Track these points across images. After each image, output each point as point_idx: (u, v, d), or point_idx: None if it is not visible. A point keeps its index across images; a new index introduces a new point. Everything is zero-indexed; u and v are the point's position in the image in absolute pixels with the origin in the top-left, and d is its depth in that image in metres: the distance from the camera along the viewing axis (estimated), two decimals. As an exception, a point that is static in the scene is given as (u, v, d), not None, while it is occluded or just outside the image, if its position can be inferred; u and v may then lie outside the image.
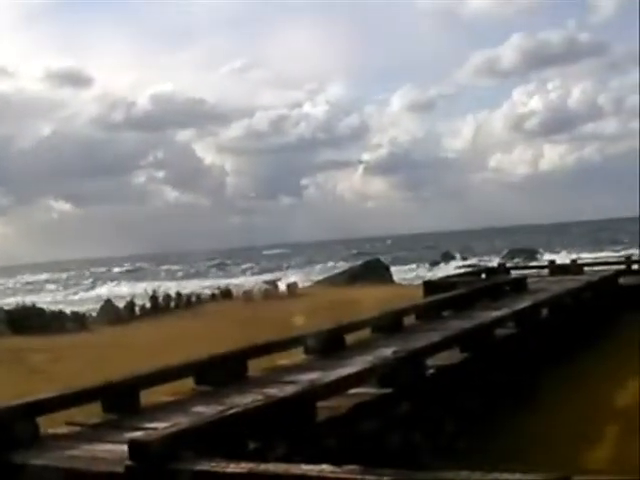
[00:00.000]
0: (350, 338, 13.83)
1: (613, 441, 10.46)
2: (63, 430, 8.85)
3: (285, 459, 7.04)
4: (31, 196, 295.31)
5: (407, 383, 9.94)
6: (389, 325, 14.94)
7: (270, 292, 34.43)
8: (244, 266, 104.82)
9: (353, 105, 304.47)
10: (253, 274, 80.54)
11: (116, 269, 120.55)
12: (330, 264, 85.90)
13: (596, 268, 26.75)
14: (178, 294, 32.16)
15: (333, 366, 10.92)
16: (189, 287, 46.94)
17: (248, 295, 33.29)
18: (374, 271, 42.22)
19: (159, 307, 30.23)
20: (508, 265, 33.88)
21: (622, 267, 25.94)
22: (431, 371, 10.71)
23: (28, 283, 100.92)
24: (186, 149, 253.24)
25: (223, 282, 50.76)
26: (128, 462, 6.42)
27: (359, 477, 5.53)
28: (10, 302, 34.26)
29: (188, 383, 10.78)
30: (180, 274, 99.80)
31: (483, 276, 26.34)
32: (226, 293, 34.55)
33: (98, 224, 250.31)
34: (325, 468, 5.72)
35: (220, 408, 7.89)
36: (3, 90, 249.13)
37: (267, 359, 12.18)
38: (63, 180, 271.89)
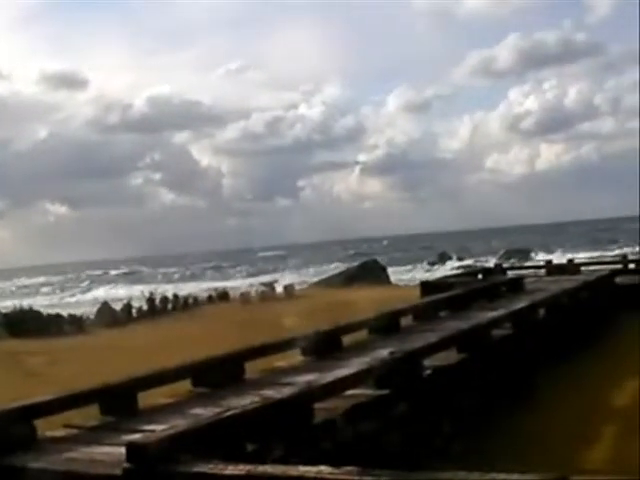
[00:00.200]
0: (347, 339, 13.83)
1: (610, 441, 10.48)
2: (61, 433, 8.86)
3: (283, 461, 7.05)
4: (27, 199, 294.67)
5: (404, 384, 9.95)
6: (386, 326, 14.95)
7: (267, 294, 34.44)
8: (241, 268, 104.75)
9: (349, 106, 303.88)
10: (250, 276, 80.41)
11: (113, 271, 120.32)
12: (327, 265, 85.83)
13: (593, 268, 26.80)
14: (175, 296, 32.17)
15: (330, 367, 10.93)
16: (186, 289, 46.92)
17: (245, 297, 33.31)
18: (371, 272, 42.22)
19: (156, 309, 30.23)
20: (505, 265, 33.92)
21: (619, 267, 25.99)
22: (428, 372, 10.73)
23: (25, 286, 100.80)
24: (182, 151, 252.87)
25: (220, 284, 50.79)
26: (126, 465, 6.42)
27: (357, 478, 5.54)
28: (7, 305, 34.20)
29: (185, 385, 10.79)
30: (177, 276, 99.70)
31: (480, 277, 26.37)
32: (223, 295, 34.57)
33: (94, 227, 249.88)
34: (323, 469, 5.73)
35: (217, 410, 7.90)
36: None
37: (264, 361, 12.18)
38: (59, 183, 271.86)
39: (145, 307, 30.52)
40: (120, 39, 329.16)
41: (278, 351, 12.64)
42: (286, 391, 8.85)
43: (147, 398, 10.08)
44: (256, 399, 8.53)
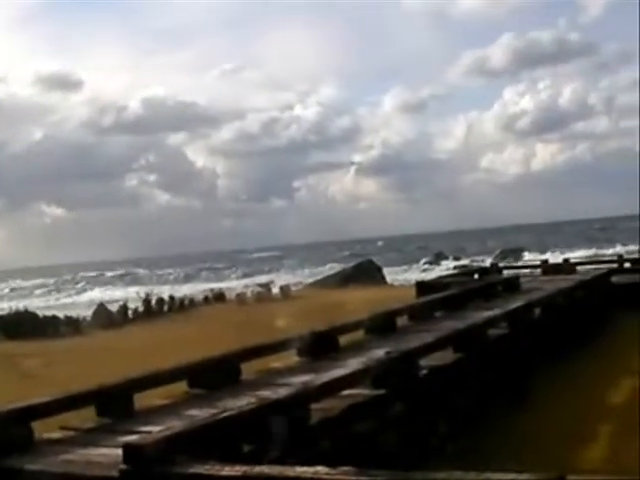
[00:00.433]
0: (343, 340, 13.84)
1: (607, 440, 10.50)
2: (57, 435, 8.86)
3: (279, 461, 7.06)
4: (23, 201, 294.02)
5: (400, 384, 9.96)
6: (382, 326, 14.95)
7: (263, 295, 34.39)
8: (236, 269, 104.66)
9: (344, 106, 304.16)
10: (245, 277, 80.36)
11: (109, 273, 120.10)
12: (322, 266, 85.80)
13: (588, 267, 26.83)
14: (171, 297, 32.09)
15: (326, 368, 10.94)
16: (182, 290, 46.90)
17: (241, 298, 33.27)
18: (366, 273, 42.18)
19: (152, 311, 30.17)
20: (501, 265, 33.92)
21: (614, 266, 26.01)
22: (424, 372, 10.74)
23: (21, 288, 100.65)
24: (177, 152, 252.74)
25: (216, 285, 50.75)
26: (123, 466, 6.43)
27: (353, 478, 5.55)
28: (3, 307, 34.19)
29: (181, 386, 10.79)
30: (173, 277, 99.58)
31: (476, 276, 26.34)
32: (219, 296, 34.51)
33: (90, 228, 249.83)
34: (319, 470, 5.74)
35: (213, 411, 7.90)
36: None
37: (260, 362, 12.18)
38: (55, 184, 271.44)
39: (141, 308, 30.47)
40: (115, 40, 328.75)
41: (274, 352, 12.64)
42: (282, 392, 8.86)
43: (143, 399, 10.08)
44: (252, 400, 8.53)
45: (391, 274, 55.37)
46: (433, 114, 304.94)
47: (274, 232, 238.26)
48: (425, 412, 10.23)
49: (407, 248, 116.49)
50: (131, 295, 36.73)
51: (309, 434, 8.24)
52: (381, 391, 9.62)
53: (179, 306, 31.06)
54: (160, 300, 31.36)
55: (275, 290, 36.06)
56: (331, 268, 69.22)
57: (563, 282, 20.37)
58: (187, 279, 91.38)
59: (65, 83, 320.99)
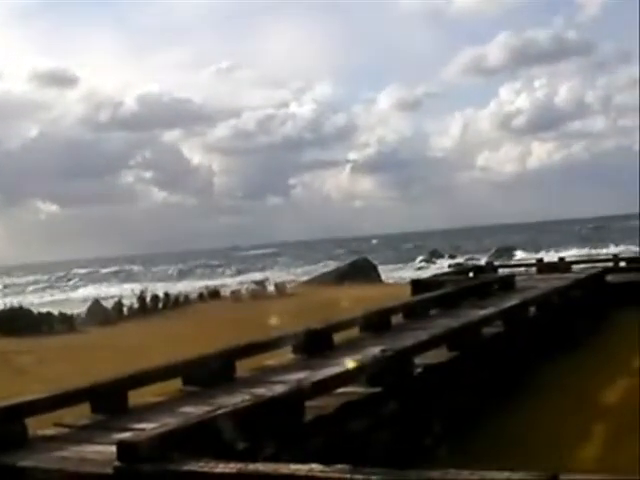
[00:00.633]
0: (338, 337, 13.83)
1: (602, 440, 10.50)
2: (51, 431, 8.84)
3: (274, 459, 7.05)
4: (18, 197, 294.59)
5: (395, 382, 9.96)
6: (377, 324, 14.95)
7: (258, 292, 34.38)
8: (232, 266, 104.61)
9: (340, 104, 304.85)
10: (241, 274, 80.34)
11: (104, 270, 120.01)
12: (318, 264, 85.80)
13: (584, 266, 26.86)
14: (166, 294, 32.08)
15: (321, 365, 10.94)
16: (177, 287, 46.87)
17: (236, 295, 33.27)
18: (362, 270, 42.17)
19: (147, 308, 30.18)
20: (496, 263, 33.94)
21: (610, 265, 26.04)
22: (419, 370, 10.74)
23: (15, 284, 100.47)
24: (173, 149, 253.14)
25: (211, 282, 50.68)
26: (117, 463, 6.41)
27: (348, 476, 5.53)
28: (-3, 304, 34.14)
29: (176, 384, 10.78)
30: (168, 274, 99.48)
31: (471, 275, 26.36)
32: (214, 293, 34.50)
33: (85, 225, 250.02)
34: (314, 467, 5.72)
35: (208, 408, 7.89)
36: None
37: (255, 359, 12.17)
38: (50, 181, 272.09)
39: (136, 305, 30.46)
40: (110, 37, 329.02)
41: (269, 349, 12.63)
42: (277, 389, 8.85)
43: (138, 396, 10.07)
44: (247, 397, 8.52)
45: (386, 272, 55.42)
46: (429, 112, 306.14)
47: (270, 229, 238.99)
48: (419, 411, 10.23)
49: (402, 246, 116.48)
50: (126, 292, 36.67)
51: (303, 432, 8.23)
52: (376, 389, 9.62)
53: (174, 303, 31.05)
54: (155, 297, 31.35)
55: (270, 288, 36.05)
56: (326, 266, 69.20)
57: (558, 281, 20.39)
58: (182, 276, 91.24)
59: (61, 80, 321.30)
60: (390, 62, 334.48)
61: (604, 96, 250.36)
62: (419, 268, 69.78)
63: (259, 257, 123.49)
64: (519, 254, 66.60)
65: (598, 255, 43.60)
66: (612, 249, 61.06)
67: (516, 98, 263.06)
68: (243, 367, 11.69)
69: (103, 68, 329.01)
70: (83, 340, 23.02)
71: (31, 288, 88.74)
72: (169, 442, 6.58)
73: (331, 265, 62.64)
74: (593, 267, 25.46)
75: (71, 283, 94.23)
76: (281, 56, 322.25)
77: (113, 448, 6.58)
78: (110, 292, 56.39)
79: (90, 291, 69.49)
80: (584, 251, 63.50)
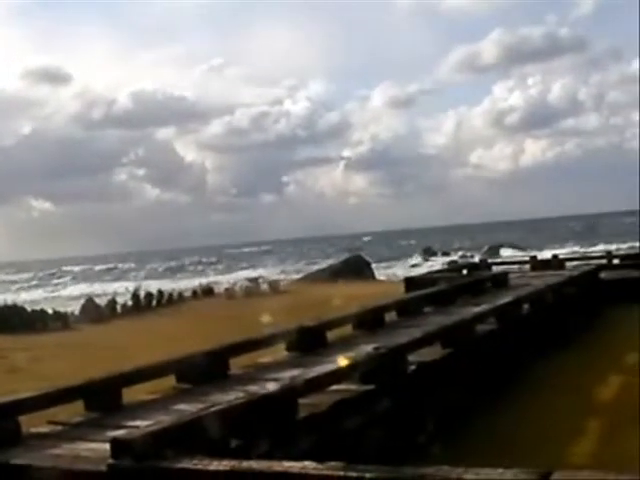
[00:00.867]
0: (332, 335, 13.84)
1: (594, 436, 10.52)
2: (45, 429, 8.84)
3: (267, 456, 7.06)
4: (11, 195, 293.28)
5: (388, 379, 9.97)
6: (370, 321, 14.96)
7: (252, 289, 34.43)
8: (225, 263, 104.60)
9: (333, 102, 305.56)
10: (234, 271, 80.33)
11: (97, 267, 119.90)
12: (311, 261, 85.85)
13: (577, 263, 26.90)
14: (160, 292, 32.11)
15: (314, 363, 10.94)
16: (170, 285, 46.86)
17: (230, 293, 33.32)
18: (355, 268, 42.20)
19: (140, 305, 30.19)
20: (490, 261, 33.96)
21: (603, 262, 26.07)
22: (413, 367, 10.74)
23: (8, 282, 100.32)
24: (166, 147, 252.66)
25: (204, 280, 50.67)
26: (111, 460, 6.42)
27: (341, 473, 5.54)
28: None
29: (170, 381, 10.78)
30: (161, 272, 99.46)
31: (464, 272, 26.39)
32: (208, 291, 34.54)
33: (78, 222, 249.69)
34: (307, 465, 5.73)
35: (202, 406, 7.90)
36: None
37: (248, 357, 12.18)
38: (43, 179, 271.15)
39: (130, 303, 30.47)
40: (103, 35, 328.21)
41: (262, 347, 12.63)
42: (270, 387, 8.86)
43: (131, 394, 10.07)
44: (240, 395, 8.53)
45: (380, 269, 55.53)
46: (423, 109, 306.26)
47: (263, 227, 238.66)
48: (413, 408, 10.24)
49: (396, 243, 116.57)
50: (120, 290, 36.68)
51: (297, 429, 8.24)
52: (369, 387, 9.63)
53: (167, 301, 31.08)
54: (148, 294, 31.37)
55: (264, 285, 36.08)
56: (320, 263, 69.24)
57: (552, 278, 20.40)
58: (176, 273, 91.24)
59: (54, 77, 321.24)
60: (383, 60, 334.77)
61: (597, 94, 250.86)
62: (413, 265, 69.79)
63: (253, 254, 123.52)
64: (507, 252, 66.53)
65: (592, 252, 43.59)
66: (606, 246, 61.12)
67: (509, 96, 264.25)
68: (237, 364, 11.69)
69: (96, 66, 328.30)
70: (77, 338, 23.02)
71: (24, 285, 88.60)
72: (163, 439, 6.58)
73: (325, 262, 62.66)
74: (587, 264, 25.52)
75: (62, 280, 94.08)
76: (274, 54, 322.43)
77: (107, 446, 6.58)
78: (104, 290, 56.35)
79: (84, 288, 69.38)
80: (576, 249, 63.60)
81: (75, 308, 31.85)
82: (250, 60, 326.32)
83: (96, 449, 7.49)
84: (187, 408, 8.75)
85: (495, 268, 27.71)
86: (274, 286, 34.91)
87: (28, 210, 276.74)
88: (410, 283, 22.57)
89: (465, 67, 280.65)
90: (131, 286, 33.93)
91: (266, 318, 18.09)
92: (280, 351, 12.84)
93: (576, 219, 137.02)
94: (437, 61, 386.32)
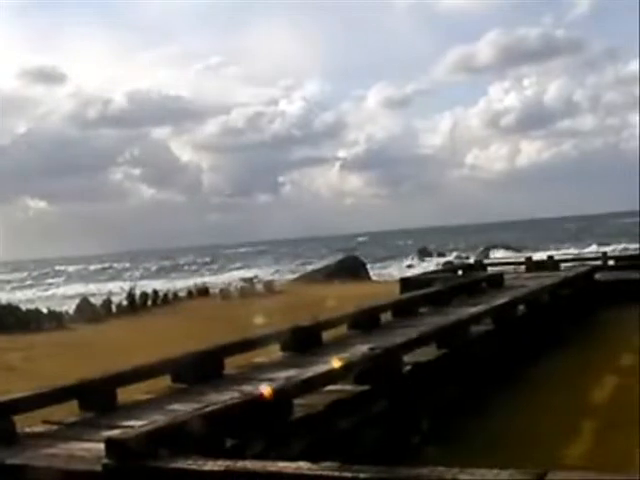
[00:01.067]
0: (327, 335, 13.84)
1: (588, 436, 10.53)
2: (40, 428, 8.83)
3: (262, 456, 7.05)
4: (7, 195, 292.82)
5: (384, 380, 9.96)
6: (366, 322, 14.96)
7: (247, 289, 34.44)
8: (221, 263, 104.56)
9: (329, 102, 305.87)
10: (230, 271, 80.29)
11: (92, 267, 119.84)
12: (307, 261, 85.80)
13: (572, 264, 26.91)
14: (155, 292, 32.09)
15: (310, 363, 10.94)
16: (166, 284, 46.83)
17: (225, 293, 33.30)
18: (351, 268, 42.22)
19: (136, 305, 30.16)
20: (485, 262, 33.96)
21: (598, 263, 26.09)
22: (408, 368, 10.74)
23: (3, 281, 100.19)
24: (162, 146, 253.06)
25: (200, 279, 50.65)
26: (105, 460, 6.41)
27: (336, 474, 5.54)
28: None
29: (165, 381, 10.77)
30: (156, 271, 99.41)
31: (460, 273, 26.40)
32: (203, 291, 34.51)
33: (74, 222, 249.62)
34: (302, 465, 5.73)
35: (197, 406, 7.89)
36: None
37: (244, 356, 12.17)
38: (39, 178, 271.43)
39: (125, 302, 30.44)
40: (99, 34, 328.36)
41: (258, 347, 12.63)
42: (265, 387, 8.85)
43: (126, 394, 10.06)
44: (235, 395, 8.53)
45: (375, 270, 55.52)
46: (418, 110, 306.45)
47: (258, 227, 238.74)
48: (408, 409, 10.24)
49: (392, 244, 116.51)
50: (115, 289, 36.66)
51: (292, 429, 8.23)
52: (364, 387, 9.62)
53: (162, 300, 31.05)
54: (144, 294, 31.34)
55: (259, 285, 36.08)
56: (315, 263, 69.22)
57: (547, 279, 20.41)
58: (171, 273, 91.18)
59: (50, 76, 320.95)
60: (379, 60, 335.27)
61: (593, 95, 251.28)
62: (408, 266, 69.77)
63: (248, 255, 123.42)
64: (498, 253, 66.45)
65: (587, 253, 43.59)
66: (601, 247, 61.13)
67: (505, 96, 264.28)
68: (232, 364, 11.69)
69: (92, 65, 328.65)
70: (72, 337, 23.00)
71: (19, 285, 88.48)
72: (158, 439, 6.57)
73: (320, 263, 62.64)
74: (582, 265, 25.53)
75: (60, 280, 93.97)
76: (270, 53, 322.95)
77: (102, 445, 6.58)
78: (99, 289, 56.28)
79: (79, 288, 69.27)
80: (577, 250, 63.57)
81: (70, 307, 31.82)
82: (246, 60, 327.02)
83: (91, 449, 7.49)
84: (182, 408, 8.74)
85: (490, 269, 27.72)
86: (269, 286, 34.91)
87: (24, 209, 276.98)
88: (406, 284, 22.58)
89: (461, 68, 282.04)
90: (126, 286, 33.83)
91: (261, 318, 18.08)
92: (275, 351, 12.84)
93: (572, 220, 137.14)
94: (433, 61, 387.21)
